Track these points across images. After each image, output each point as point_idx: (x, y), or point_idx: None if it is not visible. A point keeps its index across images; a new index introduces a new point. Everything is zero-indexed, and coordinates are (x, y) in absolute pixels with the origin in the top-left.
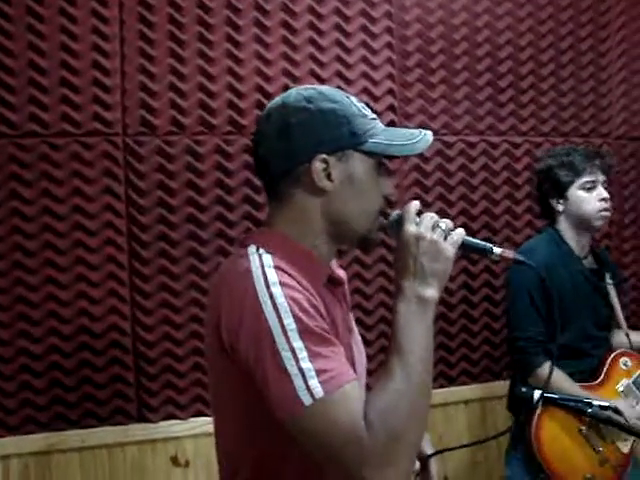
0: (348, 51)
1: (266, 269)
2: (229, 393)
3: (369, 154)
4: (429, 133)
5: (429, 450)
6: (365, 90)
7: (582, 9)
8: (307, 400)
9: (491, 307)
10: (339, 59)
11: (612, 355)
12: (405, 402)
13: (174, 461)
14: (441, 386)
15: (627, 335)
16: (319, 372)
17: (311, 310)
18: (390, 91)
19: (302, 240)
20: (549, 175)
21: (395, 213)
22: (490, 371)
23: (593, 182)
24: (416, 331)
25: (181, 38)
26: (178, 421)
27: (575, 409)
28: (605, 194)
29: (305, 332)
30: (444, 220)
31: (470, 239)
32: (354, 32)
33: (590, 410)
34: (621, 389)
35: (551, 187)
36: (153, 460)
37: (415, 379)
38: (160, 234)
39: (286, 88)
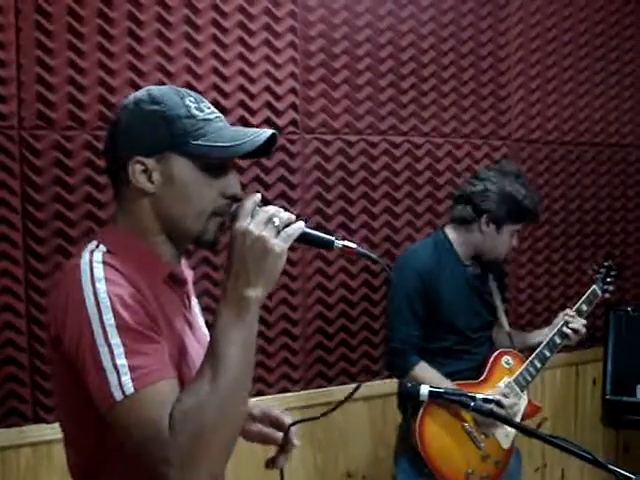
0: (251, 49)
1: (94, 265)
2: (59, 385)
3: (192, 156)
4: (267, 132)
5: (289, 420)
6: (268, 89)
7: (482, 16)
8: (118, 396)
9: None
10: (242, 57)
11: (494, 354)
12: (212, 404)
13: None
14: (342, 383)
15: (509, 335)
16: (132, 369)
17: (135, 306)
18: (293, 90)
19: (143, 237)
20: (504, 200)
21: (233, 208)
22: None
23: (518, 232)
24: (234, 333)
25: (80, 31)
26: None
27: (459, 403)
28: (516, 245)
29: (124, 328)
30: (282, 214)
31: (311, 232)
32: (258, 30)
33: (473, 404)
34: (503, 387)
35: (494, 209)
36: (49, 462)
37: (226, 382)
38: (57, 230)
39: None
